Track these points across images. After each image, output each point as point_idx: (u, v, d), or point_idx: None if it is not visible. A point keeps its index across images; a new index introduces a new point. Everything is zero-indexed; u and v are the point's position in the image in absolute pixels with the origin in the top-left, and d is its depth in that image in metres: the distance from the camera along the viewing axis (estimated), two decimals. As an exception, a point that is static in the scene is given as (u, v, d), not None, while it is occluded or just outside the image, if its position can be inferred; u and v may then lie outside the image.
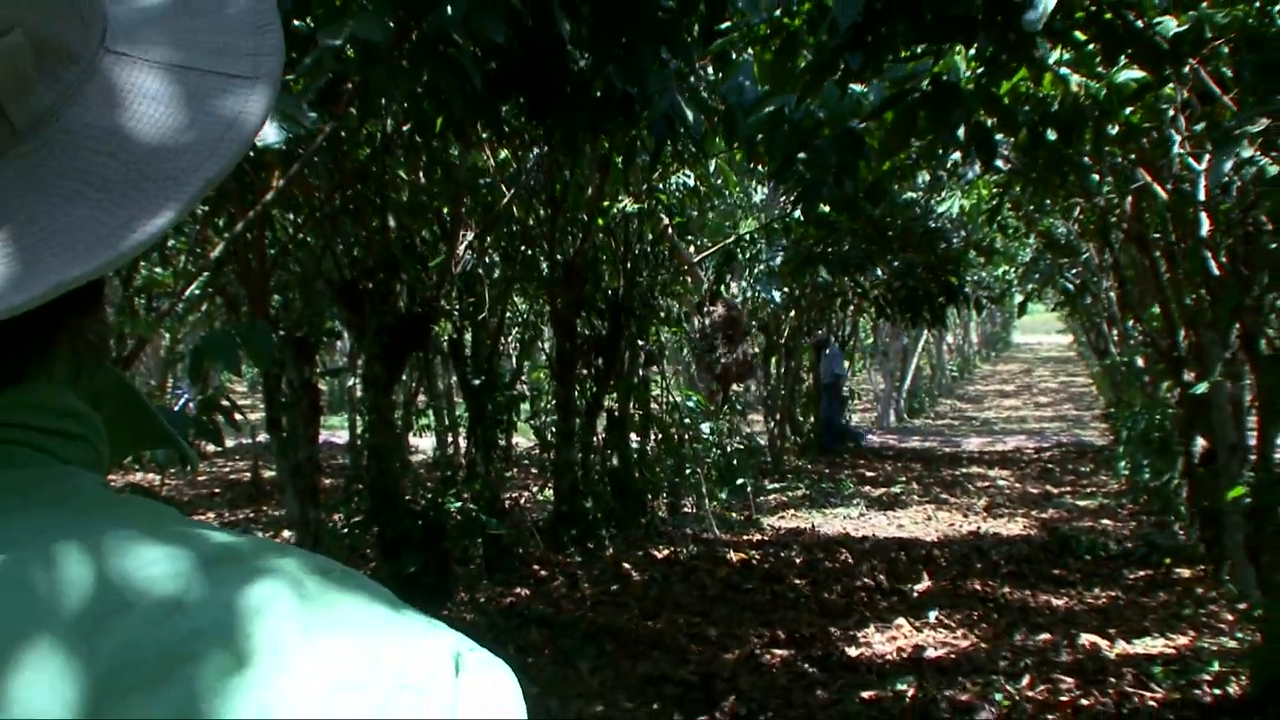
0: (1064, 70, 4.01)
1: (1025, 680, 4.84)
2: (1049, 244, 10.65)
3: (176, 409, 7.09)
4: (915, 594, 6.59)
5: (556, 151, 6.02)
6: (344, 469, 10.03)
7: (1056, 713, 4.45)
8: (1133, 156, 5.84)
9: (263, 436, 9.45)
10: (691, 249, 9.55)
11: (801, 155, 4.20)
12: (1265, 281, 5.00)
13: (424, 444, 11.21)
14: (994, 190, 8.16)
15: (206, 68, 0.50)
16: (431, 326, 6.51)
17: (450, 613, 5.77)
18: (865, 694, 4.71)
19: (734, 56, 4.32)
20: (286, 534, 6.52)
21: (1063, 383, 27.49)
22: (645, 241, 8.31)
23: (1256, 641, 4.72)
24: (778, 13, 3.40)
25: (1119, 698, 4.55)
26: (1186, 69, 3.92)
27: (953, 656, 5.28)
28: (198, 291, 6.31)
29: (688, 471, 8.95)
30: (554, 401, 8.03)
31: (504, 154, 7.05)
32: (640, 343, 8.45)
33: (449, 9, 2.90)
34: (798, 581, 6.86)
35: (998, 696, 4.63)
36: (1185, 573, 6.80)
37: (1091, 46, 3.56)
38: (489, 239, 7.58)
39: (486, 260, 7.93)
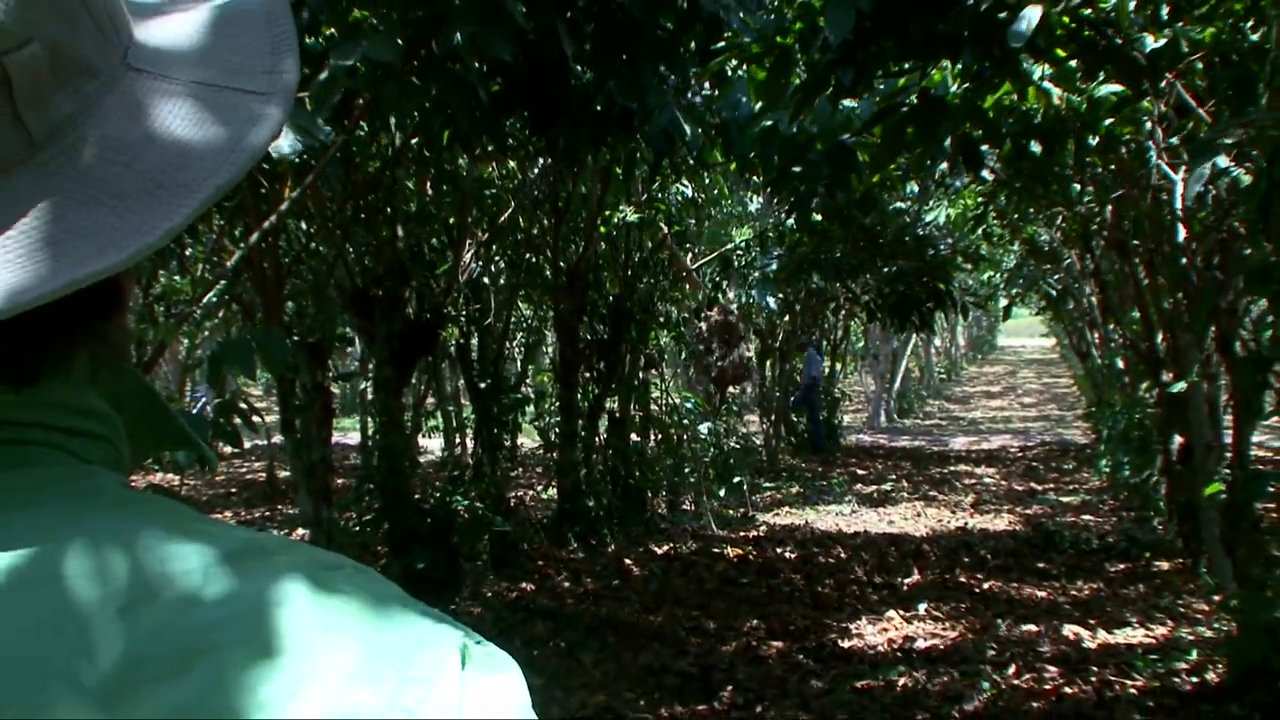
0: (1046, 85, 4.00)
1: (1011, 669, 4.90)
2: (1032, 251, 10.59)
3: (195, 412, 7.17)
4: (905, 587, 6.63)
5: (559, 163, 5.99)
6: (356, 469, 9.84)
7: (1041, 700, 4.50)
8: (1112, 167, 5.83)
9: (278, 438, 9.36)
10: (690, 256, 9.56)
11: (795, 169, 4.26)
12: (1240, 286, 4.95)
13: (433, 445, 11.12)
14: (980, 199, 8.17)
15: (224, 84, 0.50)
16: (439, 332, 6.53)
17: (458, 607, 5.79)
18: (858, 683, 4.77)
19: (729, 74, 4.35)
20: (301, 532, 6.49)
21: (1046, 384, 27.41)
22: (645, 249, 8.34)
23: (1232, 631, 4.77)
24: (771, 24, 3.39)
25: (1101, 686, 4.61)
26: (1164, 83, 3.95)
27: (941, 647, 5.34)
28: (215, 299, 6.29)
29: (686, 470, 8.98)
30: (557, 403, 7.98)
31: (510, 165, 7.04)
32: (641, 347, 8.46)
33: (457, 31, 2.93)
34: (792, 576, 6.90)
35: (984, 685, 4.69)
36: (1164, 565, 6.85)
37: (1073, 62, 3.60)
38: (495, 247, 7.62)
39: (492, 268, 7.95)
